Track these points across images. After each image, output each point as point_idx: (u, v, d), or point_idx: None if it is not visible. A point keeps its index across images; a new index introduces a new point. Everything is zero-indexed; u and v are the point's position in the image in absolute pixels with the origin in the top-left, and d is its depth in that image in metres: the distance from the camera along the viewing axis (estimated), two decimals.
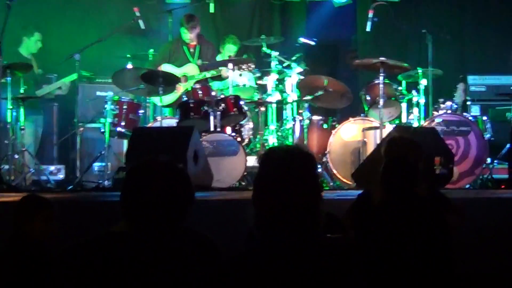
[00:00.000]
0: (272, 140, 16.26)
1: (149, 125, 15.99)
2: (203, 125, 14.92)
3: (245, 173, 14.51)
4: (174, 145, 13.07)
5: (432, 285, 7.76)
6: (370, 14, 16.92)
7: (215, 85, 16.80)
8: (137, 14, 16.76)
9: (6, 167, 15.42)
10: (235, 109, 15.29)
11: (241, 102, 15.60)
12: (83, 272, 5.11)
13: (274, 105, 16.50)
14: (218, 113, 15.04)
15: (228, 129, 15.30)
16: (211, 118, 15.04)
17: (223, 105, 15.21)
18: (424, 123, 15.50)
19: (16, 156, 15.31)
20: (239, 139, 15.10)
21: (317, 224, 4.91)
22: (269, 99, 16.35)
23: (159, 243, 5.23)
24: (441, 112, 15.63)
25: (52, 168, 16.83)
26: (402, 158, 8.66)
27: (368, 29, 17.20)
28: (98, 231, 5.47)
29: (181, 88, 16.49)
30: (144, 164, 5.40)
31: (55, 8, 18.63)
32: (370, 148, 14.94)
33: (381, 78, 15.20)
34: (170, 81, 15.75)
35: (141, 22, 16.82)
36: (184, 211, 5.35)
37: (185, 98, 15.98)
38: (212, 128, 14.98)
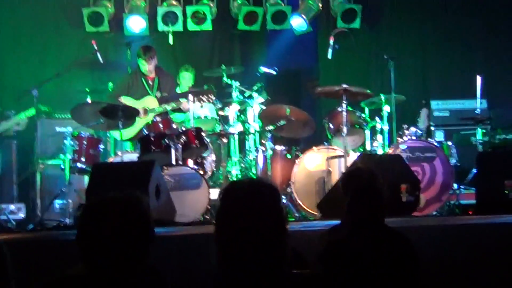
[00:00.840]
0: (235, 172, 16.35)
1: (110, 160, 15.94)
2: (165, 159, 14.75)
3: (209, 207, 14.26)
4: (135, 180, 12.74)
5: None
6: (331, 42, 16.91)
7: (176, 117, 16.91)
8: (95, 47, 16.47)
9: None
10: (196, 142, 15.12)
11: (203, 134, 15.53)
12: None
13: (236, 136, 16.55)
14: (180, 146, 14.85)
15: (190, 162, 15.24)
16: (173, 151, 14.84)
17: (184, 137, 15.01)
18: (389, 150, 15.58)
19: None
20: (201, 172, 15.03)
21: (283, 260, 4.88)
22: (231, 130, 16.51)
23: (118, 286, 5.22)
24: (405, 138, 15.73)
25: (12, 207, 16.56)
26: (369, 187, 8.54)
27: (329, 56, 17.00)
28: (59, 271, 5.37)
29: (141, 121, 16.41)
30: (98, 201, 5.32)
31: (10, 42, 18.79)
32: (335, 177, 14.97)
33: (344, 105, 15.31)
34: (130, 115, 15.53)
35: (99, 55, 16.47)
36: (144, 249, 5.32)
37: (146, 132, 15.94)
38: (173, 162, 14.80)
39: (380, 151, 15.92)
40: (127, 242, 5.19)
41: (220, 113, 17.04)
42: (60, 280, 5.25)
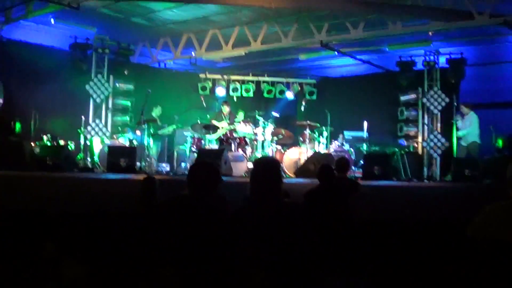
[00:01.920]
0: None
1: (206, 147, 16.75)
2: (230, 148, 16.20)
3: (247, 170, 15.32)
4: (217, 156, 14.36)
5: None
6: (303, 103, 18.98)
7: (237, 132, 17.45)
8: (202, 99, 18.64)
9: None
10: (243, 142, 16.61)
11: (246, 139, 16.83)
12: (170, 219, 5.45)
13: (260, 142, 17.23)
14: (236, 143, 16.51)
15: (240, 151, 16.32)
16: (233, 145, 16.45)
17: (238, 140, 16.61)
18: (326, 151, 16.95)
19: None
20: (244, 154, 16.18)
21: (279, 195, 5.37)
22: (258, 138, 17.24)
23: (203, 201, 5.54)
24: (333, 146, 17.31)
25: (164, 165, 17.62)
26: (323, 171, 9.02)
27: (302, 109, 19.07)
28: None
29: (220, 131, 17.37)
30: (199, 162, 6.07)
31: (163, 94, 19.05)
32: (301, 162, 16.44)
33: (307, 130, 17.21)
34: (215, 128, 17.16)
35: (204, 103, 18.48)
36: (217, 184, 5.70)
37: (222, 137, 16.98)
38: (233, 149, 16.30)
39: (322, 151, 17.03)
40: (210, 181, 5.63)
41: (254, 131, 17.42)
42: (175, 198, 5.63)
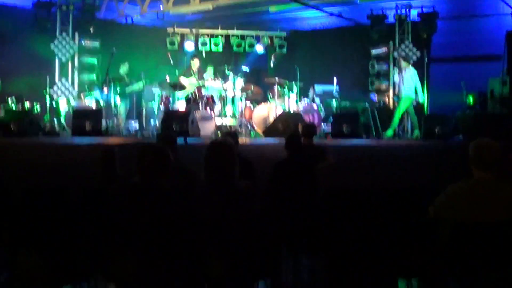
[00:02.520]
0: (229, 113, 16.72)
1: (174, 105, 16.47)
2: (197, 107, 15.77)
3: (215, 130, 15.30)
4: (184, 117, 14.32)
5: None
6: (272, 58, 18.87)
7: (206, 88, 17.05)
8: (169, 56, 17.89)
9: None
10: (211, 101, 16.08)
11: (214, 97, 16.38)
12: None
13: (230, 97, 16.88)
14: (204, 102, 16.00)
15: (208, 110, 15.88)
16: (200, 104, 15.93)
17: (205, 99, 16.09)
18: (295, 109, 16.43)
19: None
20: (212, 113, 15.87)
21: (234, 179, 5.23)
22: (228, 94, 16.90)
23: (153, 189, 5.13)
24: (302, 103, 16.68)
25: (133, 122, 17.33)
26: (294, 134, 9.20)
27: (272, 65, 19.11)
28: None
29: (189, 88, 16.91)
30: (146, 147, 5.29)
31: (130, 50, 18.62)
32: (271, 119, 16.02)
33: (276, 86, 16.79)
34: (181, 87, 16.67)
35: (171, 59, 17.78)
36: (165, 172, 5.23)
37: (189, 95, 16.48)
38: (200, 109, 15.80)
39: (292, 107, 16.62)
40: (159, 167, 5.14)
41: (224, 86, 17.05)
42: (125, 185, 5.27)
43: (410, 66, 16.63)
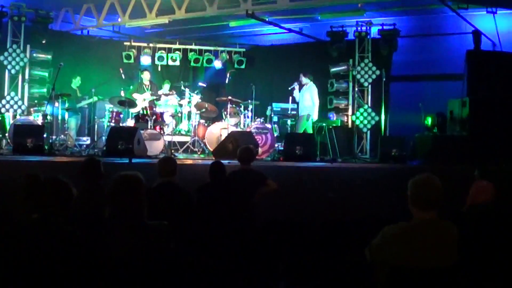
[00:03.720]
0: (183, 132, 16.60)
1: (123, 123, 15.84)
2: (145, 126, 14.90)
3: (163, 149, 14.59)
4: (130, 135, 13.40)
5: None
6: (227, 74, 17.76)
7: (158, 104, 16.66)
8: (121, 71, 16.99)
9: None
10: (159, 119, 15.41)
11: (164, 115, 15.78)
12: None
13: (186, 114, 16.74)
14: (152, 120, 15.16)
15: (157, 128, 15.14)
16: (149, 122, 15.08)
17: (154, 117, 15.27)
18: (247, 128, 15.73)
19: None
20: (161, 132, 15.18)
21: (142, 218, 4.72)
22: (183, 110, 16.71)
23: (51, 227, 4.62)
24: (254, 124, 15.92)
25: (84, 138, 16.87)
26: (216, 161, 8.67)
27: (226, 81, 18.01)
28: None
29: (140, 105, 16.36)
30: (48, 180, 4.90)
31: (84, 63, 17.94)
32: (222, 137, 15.22)
33: (229, 105, 15.97)
34: (131, 104, 15.69)
35: (122, 75, 16.98)
36: (66, 207, 4.77)
37: (138, 114, 15.74)
38: (149, 127, 14.99)
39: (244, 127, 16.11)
40: (59, 202, 4.75)
41: (180, 103, 16.83)
42: (23, 221, 4.82)
43: (311, 83, 16.31)
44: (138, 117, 15.50)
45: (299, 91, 16.27)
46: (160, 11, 17.52)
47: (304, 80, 16.20)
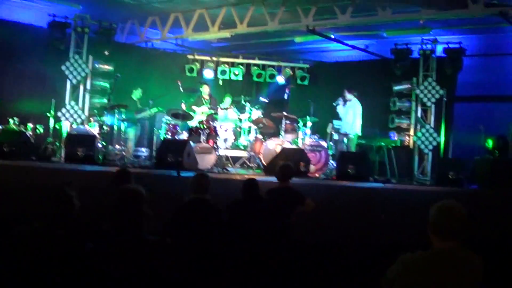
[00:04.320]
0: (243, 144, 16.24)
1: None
2: (198, 140, 14.74)
3: (215, 163, 14.37)
4: (180, 148, 13.31)
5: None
6: (286, 90, 17.16)
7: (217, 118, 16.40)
8: (179, 83, 16.60)
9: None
10: (213, 133, 15.13)
11: (218, 130, 15.46)
12: None
13: (246, 129, 16.34)
14: (206, 133, 14.95)
15: (210, 142, 14.89)
16: (202, 136, 14.86)
17: (207, 130, 15.04)
18: (301, 146, 15.39)
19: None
20: (215, 146, 14.87)
21: (140, 232, 4.66)
22: (243, 125, 16.32)
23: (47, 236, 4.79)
24: (309, 141, 15.48)
25: (143, 150, 16.42)
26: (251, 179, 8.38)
27: (285, 97, 17.21)
28: None
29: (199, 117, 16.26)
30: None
31: (146, 75, 17.91)
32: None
33: (286, 121, 15.92)
34: (185, 117, 15.67)
35: (180, 87, 16.56)
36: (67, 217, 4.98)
37: (193, 126, 15.52)
38: (202, 141, 14.74)
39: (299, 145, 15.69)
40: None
41: (240, 117, 16.51)
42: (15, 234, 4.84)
43: (355, 99, 15.99)
44: (191, 130, 15.28)
45: (343, 106, 15.93)
46: (223, 25, 17.37)
47: (348, 96, 15.85)
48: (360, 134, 15.82)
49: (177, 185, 10.09)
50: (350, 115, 15.73)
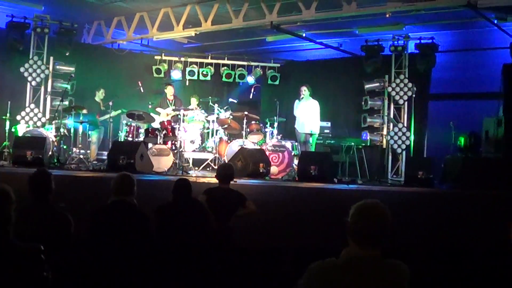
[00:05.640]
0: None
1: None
2: (155, 141, 14.20)
3: (172, 166, 13.76)
4: (132, 149, 12.71)
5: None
6: (252, 90, 16.52)
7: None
8: (140, 84, 16.00)
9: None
10: (170, 133, 14.40)
11: (176, 131, 14.59)
12: None
13: (214, 130, 15.61)
14: (163, 134, 14.30)
15: (169, 143, 14.37)
16: (159, 137, 14.20)
17: (164, 131, 14.41)
18: (262, 146, 14.66)
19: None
20: (173, 147, 14.38)
21: (9, 235, 4.03)
22: (210, 126, 15.68)
23: None
24: (272, 140, 14.77)
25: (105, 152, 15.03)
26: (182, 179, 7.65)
27: (251, 97, 16.82)
28: None
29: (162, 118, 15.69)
30: None
31: (110, 76, 17.25)
32: None
33: (251, 122, 15.19)
34: (141, 117, 14.62)
35: (141, 88, 15.99)
36: None
37: (149, 127, 15.04)
38: (158, 142, 14.13)
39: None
40: None
41: (207, 118, 15.74)
42: None
43: (310, 97, 15.37)
44: (147, 131, 14.52)
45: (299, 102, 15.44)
46: (188, 23, 16.58)
47: (305, 92, 15.36)
48: (317, 133, 15.23)
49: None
50: (309, 113, 15.18)
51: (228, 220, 7.87)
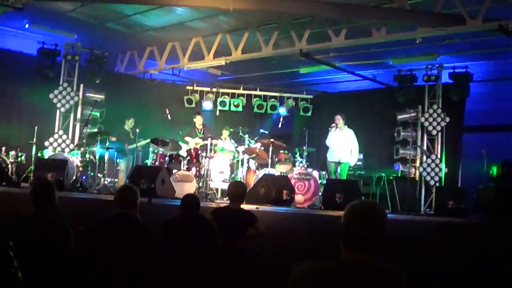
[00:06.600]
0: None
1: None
2: (178, 167, 14.00)
3: (195, 192, 13.16)
4: (153, 174, 12.27)
5: None
6: (281, 119, 16.35)
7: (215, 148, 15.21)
8: (167, 112, 15.56)
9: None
10: (194, 160, 14.07)
11: (201, 157, 14.31)
12: None
13: (242, 160, 15.26)
14: (187, 160, 14.07)
15: (193, 170, 13.96)
16: (182, 162, 14.03)
17: (188, 158, 14.19)
18: (289, 174, 14.18)
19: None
20: (196, 174, 13.99)
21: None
22: (240, 157, 15.34)
23: None
24: (297, 168, 14.44)
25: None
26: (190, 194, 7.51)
27: (279, 126, 16.93)
28: None
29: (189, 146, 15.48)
30: None
31: (140, 105, 17.02)
32: None
33: (271, 148, 14.73)
34: (173, 144, 14.78)
35: (169, 116, 15.51)
36: None
37: (174, 154, 14.55)
38: (182, 168, 13.92)
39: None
40: None
41: (237, 149, 15.32)
42: None
43: (346, 126, 14.91)
44: (171, 157, 14.15)
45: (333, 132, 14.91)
46: (218, 53, 16.32)
47: (340, 122, 14.82)
48: (348, 162, 14.70)
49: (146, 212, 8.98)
50: (341, 142, 14.65)
51: (236, 239, 7.42)
